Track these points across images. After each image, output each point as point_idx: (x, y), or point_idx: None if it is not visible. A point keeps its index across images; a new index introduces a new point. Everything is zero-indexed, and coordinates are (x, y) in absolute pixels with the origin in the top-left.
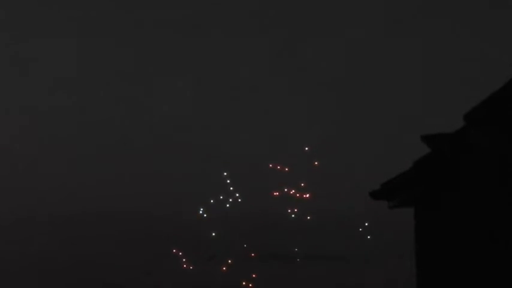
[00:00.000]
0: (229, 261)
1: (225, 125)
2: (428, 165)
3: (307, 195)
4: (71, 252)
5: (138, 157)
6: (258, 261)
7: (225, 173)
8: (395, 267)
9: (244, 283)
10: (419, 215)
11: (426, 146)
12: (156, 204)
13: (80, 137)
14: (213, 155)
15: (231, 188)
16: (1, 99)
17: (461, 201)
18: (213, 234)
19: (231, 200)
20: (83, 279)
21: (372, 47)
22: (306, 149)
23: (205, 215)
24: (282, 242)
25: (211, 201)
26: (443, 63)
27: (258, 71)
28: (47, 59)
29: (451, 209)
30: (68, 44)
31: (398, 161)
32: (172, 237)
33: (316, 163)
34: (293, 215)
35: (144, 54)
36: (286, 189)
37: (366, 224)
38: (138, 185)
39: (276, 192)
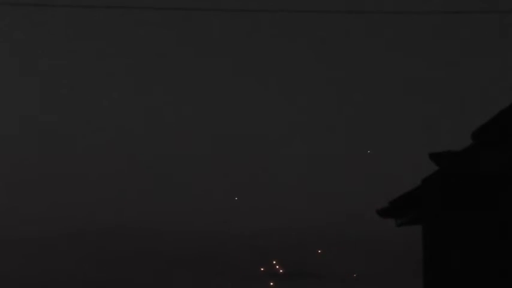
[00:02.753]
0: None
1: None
2: (436, 182)
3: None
4: (85, 270)
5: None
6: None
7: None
8: (402, 284)
9: None
10: (428, 233)
11: (434, 163)
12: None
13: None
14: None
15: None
16: None
17: (471, 220)
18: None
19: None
20: None
21: (385, 66)
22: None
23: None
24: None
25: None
26: (452, 83)
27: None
28: None
29: (461, 226)
30: None
31: (405, 179)
32: (180, 254)
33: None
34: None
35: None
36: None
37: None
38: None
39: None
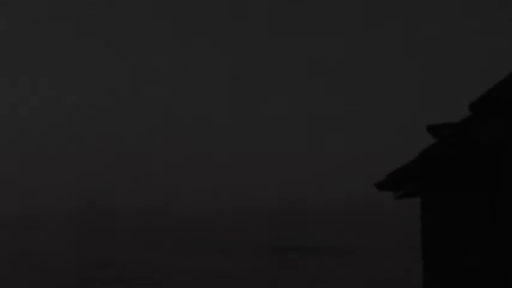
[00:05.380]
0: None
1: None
2: (434, 155)
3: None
4: (81, 248)
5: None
6: (267, 252)
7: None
8: (401, 258)
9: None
10: (426, 205)
11: (432, 136)
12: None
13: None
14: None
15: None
16: None
17: (468, 191)
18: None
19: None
20: (86, 276)
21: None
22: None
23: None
24: (287, 233)
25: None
26: (448, 55)
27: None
28: None
29: (458, 199)
30: None
31: (404, 151)
32: (178, 229)
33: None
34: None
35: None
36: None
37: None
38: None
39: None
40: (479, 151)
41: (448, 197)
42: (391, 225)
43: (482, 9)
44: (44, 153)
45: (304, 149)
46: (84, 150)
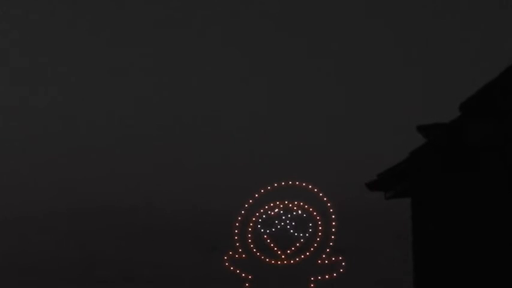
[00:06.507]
0: (230, 252)
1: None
2: (424, 155)
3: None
4: (72, 248)
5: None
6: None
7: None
8: (392, 256)
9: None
10: (416, 205)
11: (422, 136)
12: (158, 198)
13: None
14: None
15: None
16: None
17: (459, 190)
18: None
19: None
20: (86, 275)
21: (372, 45)
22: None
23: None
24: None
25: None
26: (440, 54)
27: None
28: None
29: (449, 198)
30: None
31: (395, 152)
32: (173, 229)
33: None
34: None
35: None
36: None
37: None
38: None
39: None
40: (470, 151)
41: (438, 196)
42: (384, 224)
43: (475, 9)
44: (29, 153)
45: (304, 149)
46: (74, 149)
